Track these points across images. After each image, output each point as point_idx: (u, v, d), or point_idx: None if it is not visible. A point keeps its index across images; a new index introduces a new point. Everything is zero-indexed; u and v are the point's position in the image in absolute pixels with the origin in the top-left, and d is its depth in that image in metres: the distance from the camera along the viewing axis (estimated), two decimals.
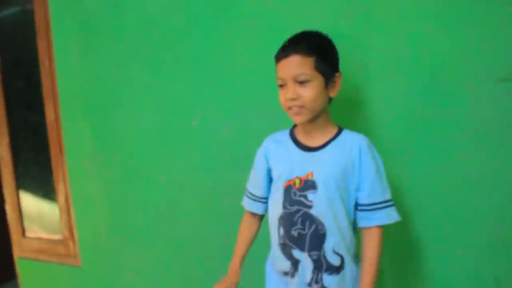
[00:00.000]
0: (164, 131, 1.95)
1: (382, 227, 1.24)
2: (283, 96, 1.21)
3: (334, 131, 1.27)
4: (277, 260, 1.32)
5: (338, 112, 1.51)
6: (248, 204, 1.41)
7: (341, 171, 1.21)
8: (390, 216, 1.23)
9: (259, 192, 1.37)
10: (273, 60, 1.26)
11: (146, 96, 1.97)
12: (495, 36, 1.30)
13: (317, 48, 1.18)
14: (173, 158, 1.95)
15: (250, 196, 1.40)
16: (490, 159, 1.35)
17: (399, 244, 1.51)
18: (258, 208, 1.39)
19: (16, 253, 2.70)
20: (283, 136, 1.33)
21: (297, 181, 1.24)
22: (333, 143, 1.24)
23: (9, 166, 2.63)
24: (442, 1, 1.36)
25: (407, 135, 1.45)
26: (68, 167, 2.32)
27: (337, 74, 1.23)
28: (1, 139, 2.62)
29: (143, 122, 2.00)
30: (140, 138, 2.03)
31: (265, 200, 1.37)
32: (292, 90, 1.18)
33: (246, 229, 1.42)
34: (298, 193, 1.23)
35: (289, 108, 1.21)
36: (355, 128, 1.47)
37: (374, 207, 1.22)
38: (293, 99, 1.18)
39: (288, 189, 1.25)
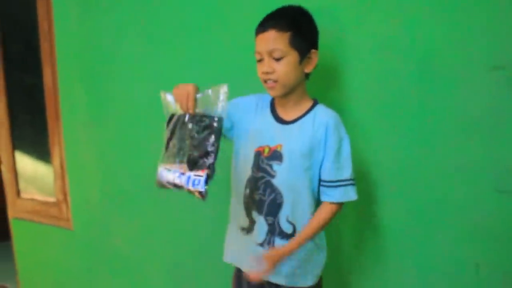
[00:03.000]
0: (157, 100, 1.94)
1: (338, 204, 1.27)
2: (260, 69, 1.24)
3: (308, 105, 1.30)
4: (238, 215, 1.37)
5: (328, 90, 1.52)
6: None
7: (308, 146, 1.24)
8: (347, 194, 1.26)
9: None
10: None
11: (141, 65, 1.97)
12: (490, 23, 1.29)
13: (294, 24, 1.21)
14: (163, 128, 1.94)
15: None
16: (477, 147, 1.35)
17: (381, 226, 1.53)
18: None
19: (11, 213, 2.74)
20: (266, 103, 1.36)
21: (266, 150, 1.28)
22: (304, 118, 1.28)
23: (6, 128, 2.65)
24: None
25: (397, 118, 1.45)
26: (64, 132, 2.33)
27: (313, 50, 1.25)
28: None
29: (136, 91, 2.01)
30: (133, 106, 2.04)
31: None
32: (267, 64, 1.22)
33: None
34: (265, 161, 1.28)
35: (265, 81, 1.25)
36: (347, 109, 1.49)
37: (332, 184, 1.25)
38: (268, 73, 1.22)
39: (257, 155, 1.30)
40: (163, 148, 1.26)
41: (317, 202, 1.30)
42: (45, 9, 2.27)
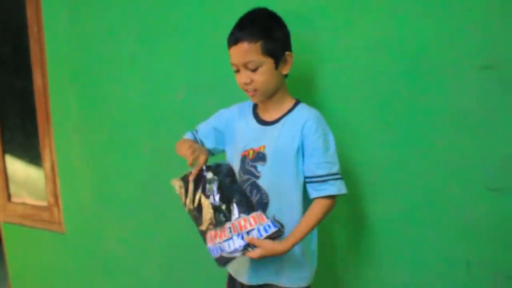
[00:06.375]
0: (150, 102, 1.95)
1: (331, 198, 1.24)
2: (238, 80, 1.27)
3: (289, 105, 1.31)
4: None
5: (319, 90, 1.52)
6: (187, 135, 1.45)
7: (291, 145, 1.25)
8: (338, 187, 1.24)
9: (207, 142, 1.42)
10: None
11: (133, 66, 1.97)
12: (479, 24, 1.30)
13: (264, 31, 1.21)
14: (157, 129, 1.96)
15: (195, 133, 1.45)
16: (467, 146, 1.36)
17: (371, 226, 1.53)
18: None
19: (2, 217, 2.72)
20: (248, 108, 1.39)
21: (251, 152, 1.30)
22: (286, 117, 1.29)
23: None
24: None
25: (388, 117, 1.45)
26: (55, 135, 2.32)
27: (287, 53, 1.26)
28: None
29: (129, 92, 2.00)
30: (126, 108, 2.03)
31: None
32: (244, 75, 1.24)
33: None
34: (250, 163, 1.30)
35: (245, 90, 1.27)
36: (339, 109, 1.50)
37: (322, 178, 1.24)
38: (246, 84, 1.24)
39: (243, 159, 1.32)
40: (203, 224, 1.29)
41: (305, 200, 1.29)
42: (35, 12, 2.26)
